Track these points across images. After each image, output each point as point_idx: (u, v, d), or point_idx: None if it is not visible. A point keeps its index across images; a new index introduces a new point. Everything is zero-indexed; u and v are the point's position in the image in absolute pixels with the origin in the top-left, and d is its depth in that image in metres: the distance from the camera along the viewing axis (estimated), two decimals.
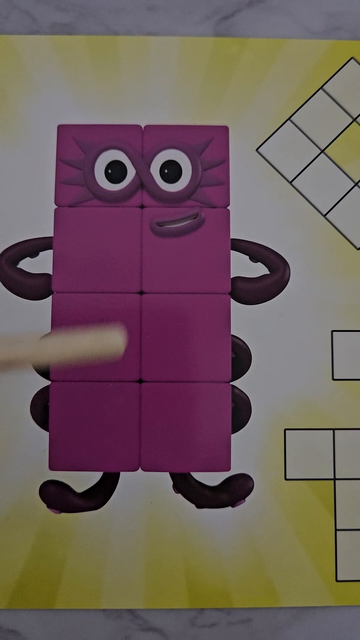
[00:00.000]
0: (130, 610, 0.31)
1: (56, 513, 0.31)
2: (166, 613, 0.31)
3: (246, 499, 0.31)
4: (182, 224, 0.32)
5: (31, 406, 0.31)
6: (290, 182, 0.33)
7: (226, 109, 0.33)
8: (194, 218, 0.32)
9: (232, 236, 0.32)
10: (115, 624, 0.30)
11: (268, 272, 0.32)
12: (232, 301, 0.32)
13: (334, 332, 0.32)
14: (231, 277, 0.32)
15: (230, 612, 0.31)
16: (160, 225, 0.32)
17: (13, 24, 0.33)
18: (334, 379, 0.32)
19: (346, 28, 0.34)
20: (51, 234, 0.32)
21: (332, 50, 0.34)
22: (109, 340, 0.22)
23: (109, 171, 0.32)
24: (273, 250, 0.32)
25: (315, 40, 0.34)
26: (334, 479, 0.32)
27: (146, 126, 0.33)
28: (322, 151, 0.33)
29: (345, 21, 0.34)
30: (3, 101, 0.33)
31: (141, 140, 0.33)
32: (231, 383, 0.32)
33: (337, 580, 0.31)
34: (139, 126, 0.33)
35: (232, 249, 0.32)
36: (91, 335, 0.22)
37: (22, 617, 0.30)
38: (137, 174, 0.32)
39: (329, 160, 0.33)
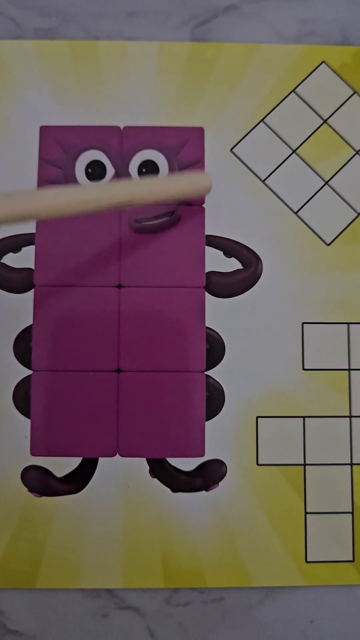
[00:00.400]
0: (108, 590, 0.32)
1: (37, 497, 0.32)
2: (142, 592, 0.32)
3: (219, 483, 0.33)
4: (159, 220, 0.34)
5: (13, 395, 0.33)
6: (263, 181, 0.35)
7: (202, 111, 0.35)
8: (170, 215, 0.34)
9: (207, 233, 0.34)
10: (94, 603, 0.32)
11: (241, 267, 0.34)
12: (207, 294, 0.34)
13: (304, 324, 0.34)
14: (206, 271, 0.34)
15: (204, 592, 0.32)
16: (138, 222, 0.34)
17: None
18: (304, 369, 0.34)
19: (318, 33, 0.36)
20: (33, 231, 0.34)
21: (304, 54, 0.35)
22: (199, 180, 0.26)
23: (89, 170, 0.34)
24: (246, 246, 0.34)
25: (288, 45, 0.35)
26: (304, 465, 0.33)
27: (125, 127, 0.34)
28: (294, 151, 0.35)
29: (318, 27, 0.36)
30: None
31: (120, 140, 0.34)
32: (205, 373, 0.33)
33: (306, 562, 0.33)
34: (118, 127, 0.34)
35: (207, 244, 0.34)
36: (181, 178, 0.25)
37: (4, 596, 0.32)
38: (116, 173, 0.34)
39: (301, 160, 0.35)
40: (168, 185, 0.26)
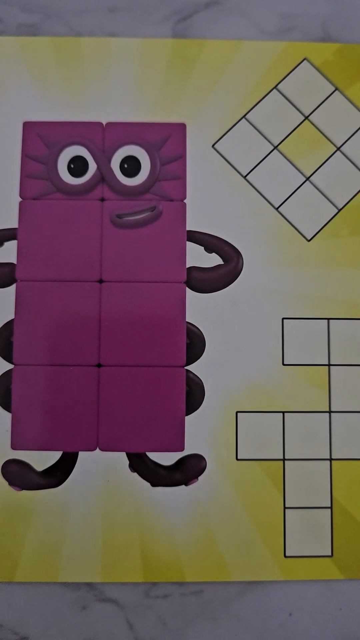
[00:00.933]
0: (87, 583, 0.32)
1: (17, 490, 0.32)
2: (122, 585, 0.32)
3: (199, 478, 0.33)
4: (141, 216, 0.34)
5: None
6: (245, 177, 0.35)
7: (184, 107, 0.35)
8: (152, 211, 0.34)
9: (188, 228, 0.34)
10: (73, 595, 0.32)
11: (222, 262, 0.34)
12: (188, 290, 0.34)
13: (284, 320, 0.34)
14: (187, 266, 0.34)
15: (183, 585, 0.32)
16: (120, 217, 0.34)
17: None
18: (284, 364, 0.34)
19: (299, 29, 0.36)
20: (16, 225, 0.34)
21: (286, 51, 0.36)
22: None
23: (72, 166, 0.34)
24: (227, 242, 0.34)
25: (270, 42, 0.35)
26: (284, 460, 0.33)
27: (107, 123, 0.35)
28: (275, 147, 0.35)
29: (299, 22, 0.36)
30: None
31: (102, 136, 0.34)
32: (185, 367, 0.33)
33: (285, 556, 0.33)
34: (101, 123, 0.34)
35: (188, 240, 0.34)
36: None
37: None
38: (98, 168, 0.34)
39: (282, 156, 0.35)
40: None
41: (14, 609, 0.32)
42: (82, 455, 0.33)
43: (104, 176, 0.34)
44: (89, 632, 0.32)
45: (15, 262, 0.33)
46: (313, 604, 0.33)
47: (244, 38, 0.36)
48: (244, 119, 0.35)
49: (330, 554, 0.33)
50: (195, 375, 0.33)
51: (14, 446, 0.33)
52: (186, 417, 0.33)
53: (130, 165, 0.34)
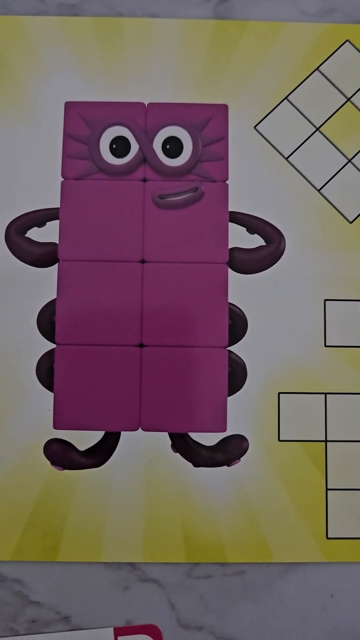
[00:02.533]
0: (129, 563, 0.32)
1: (59, 470, 0.32)
2: (163, 565, 0.32)
3: (241, 458, 0.33)
4: (183, 196, 0.34)
5: (37, 368, 0.33)
6: (287, 159, 0.35)
7: (226, 88, 0.35)
8: (194, 191, 0.34)
9: (231, 209, 0.34)
10: (115, 575, 0.32)
11: (264, 244, 0.34)
12: (230, 271, 0.34)
13: (326, 301, 0.34)
14: (229, 247, 0.34)
15: (225, 565, 0.32)
16: (162, 198, 0.34)
17: (22, 5, 0.35)
18: (326, 346, 0.34)
19: (341, 11, 0.36)
20: (58, 205, 0.34)
21: (328, 33, 0.35)
22: None
23: (114, 146, 0.34)
24: (269, 223, 0.34)
25: (312, 24, 0.35)
26: (325, 441, 0.33)
27: (149, 104, 0.34)
28: (317, 129, 0.35)
29: (340, 4, 0.36)
30: (13, 80, 0.34)
31: (144, 117, 0.34)
32: (228, 348, 0.33)
33: (327, 538, 0.33)
34: (143, 104, 0.34)
35: (230, 221, 0.34)
36: None
37: (26, 568, 0.32)
38: (140, 149, 0.34)
39: (324, 138, 0.35)
40: None
41: (56, 589, 0.32)
42: (124, 435, 0.33)
43: (146, 157, 0.34)
44: (130, 613, 0.32)
45: (57, 242, 0.33)
46: (355, 586, 0.33)
47: (285, 20, 0.36)
48: (285, 100, 0.35)
49: None
50: (238, 356, 0.33)
51: (57, 426, 0.32)
52: (228, 398, 0.33)
53: (172, 146, 0.34)
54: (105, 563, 0.32)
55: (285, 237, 0.34)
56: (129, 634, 0.31)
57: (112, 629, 0.31)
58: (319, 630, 0.32)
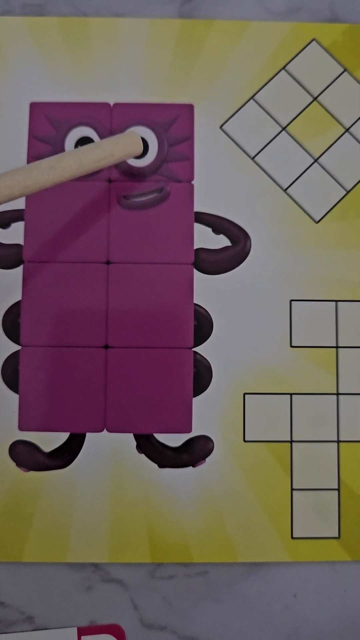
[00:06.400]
0: (93, 564, 0.32)
1: (25, 471, 0.32)
2: (127, 565, 0.32)
3: (206, 459, 0.33)
4: (148, 197, 0.34)
5: (2, 370, 0.33)
6: (253, 158, 0.35)
7: (192, 88, 0.35)
8: (160, 192, 0.34)
9: (196, 209, 0.34)
10: (79, 576, 0.32)
11: (230, 244, 0.34)
12: (195, 271, 0.34)
13: (292, 302, 0.34)
14: (195, 248, 0.34)
15: (188, 566, 0.32)
16: (127, 199, 0.34)
17: None
18: (291, 346, 0.34)
19: (307, 10, 0.35)
20: (23, 207, 0.34)
21: (294, 32, 0.35)
22: (128, 141, 0.26)
23: (79, 147, 0.34)
24: (235, 223, 0.34)
25: (278, 23, 0.35)
26: (291, 441, 0.33)
27: (115, 104, 0.34)
28: (284, 129, 0.35)
29: (306, 3, 0.35)
30: None
31: (110, 117, 0.34)
32: (193, 349, 0.33)
33: (292, 537, 0.33)
34: (108, 104, 0.34)
35: (196, 221, 0.34)
36: (108, 141, 0.26)
37: None
38: None
39: (290, 138, 0.35)
40: (99, 150, 0.27)
41: (20, 589, 0.32)
42: (89, 436, 0.33)
43: None
44: (94, 613, 0.32)
45: (22, 243, 0.33)
46: (318, 586, 0.33)
47: (251, 19, 0.35)
48: (252, 100, 0.35)
49: (337, 535, 0.33)
50: (203, 356, 0.33)
51: (22, 427, 0.33)
52: (194, 399, 0.33)
53: None
54: (68, 563, 0.32)
55: (251, 238, 0.34)
56: (92, 634, 0.31)
57: (75, 628, 0.31)
58: (282, 630, 0.32)
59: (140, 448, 0.33)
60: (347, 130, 0.35)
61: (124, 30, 0.35)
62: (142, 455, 0.33)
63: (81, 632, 0.31)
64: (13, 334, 0.33)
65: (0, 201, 0.26)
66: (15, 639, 0.31)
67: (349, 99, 0.35)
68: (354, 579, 0.33)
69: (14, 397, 0.33)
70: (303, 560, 0.33)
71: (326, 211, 0.34)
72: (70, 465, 0.32)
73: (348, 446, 0.33)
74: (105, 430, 0.33)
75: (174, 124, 0.34)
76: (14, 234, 0.34)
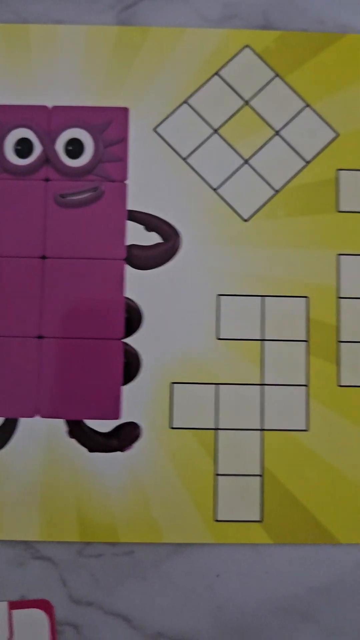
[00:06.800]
0: (24, 541, 0.34)
1: None
2: (56, 544, 0.34)
3: (134, 444, 0.34)
4: (83, 195, 0.36)
5: None
6: (185, 159, 0.36)
7: (127, 92, 0.36)
8: (94, 191, 0.36)
9: (129, 208, 0.36)
10: (11, 553, 0.34)
11: (161, 241, 0.36)
12: (128, 266, 0.35)
13: (220, 296, 0.35)
14: (127, 244, 0.35)
15: (115, 545, 0.34)
16: (63, 197, 0.35)
17: None
18: (218, 339, 0.35)
19: (241, 17, 0.37)
20: None
21: (228, 38, 0.37)
22: None
23: (18, 147, 0.36)
24: (166, 221, 0.36)
25: (213, 29, 0.37)
26: (216, 429, 0.35)
27: (53, 107, 0.36)
28: (216, 131, 0.37)
29: (241, 10, 0.37)
30: None
31: (48, 119, 0.36)
32: (123, 340, 0.35)
33: (215, 520, 0.34)
34: (47, 107, 0.36)
35: (129, 219, 0.36)
36: None
37: None
38: (43, 150, 0.36)
39: (222, 140, 0.36)
40: None
41: None
42: (23, 421, 0.34)
43: (48, 157, 0.36)
44: (24, 588, 0.34)
45: None
46: (240, 567, 0.34)
47: (187, 26, 0.37)
48: (185, 103, 0.37)
49: (259, 519, 0.34)
50: (132, 347, 0.35)
51: None
52: (123, 387, 0.35)
53: (74, 147, 0.36)
54: (1, 541, 0.34)
55: (182, 235, 0.36)
56: (22, 608, 0.33)
57: (6, 603, 0.33)
58: (205, 608, 0.34)
59: (71, 433, 0.34)
60: (277, 133, 0.37)
61: (63, 36, 0.36)
62: (73, 440, 0.34)
63: (12, 606, 0.33)
64: None
65: None
66: None
67: (279, 103, 0.37)
68: (274, 561, 0.34)
69: None
70: (226, 543, 0.34)
71: (255, 210, 0.36)
72: (3, 449, 0.34)
73: (271, 434, 0.35)
74: (37, 415, 0.34)
75: (109, 126, 0.36)
76: None
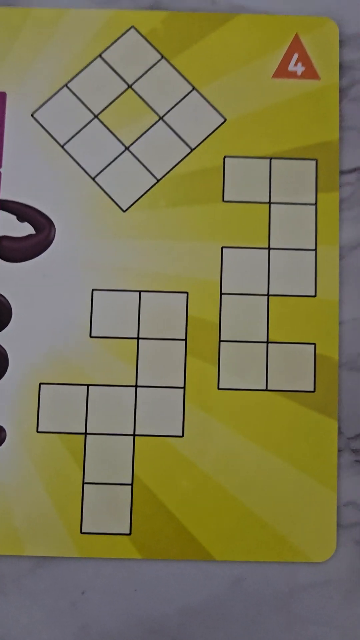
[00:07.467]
0: None
1: None
2: None
3: None
4: None
5: None
6: (62, 146, 0.34)
7: (5, 76, 0.34)
8: None
9: (3, 197, 0.34)
10: None
11: (34, 232, 0.34)
12: None
13: (94, 291, 0.33)
14: None
15: None
16: None
17: None
18: (91, 337, 0.33)
19: None
20: None
21: (113, 19, 0.35)
22: None
23: None
24: (39, 211, 0.34)
25: (97, 10, 0.35)
26: (85, 433, 0.32)
27: None
28: (96, 116, 0.34)
29: None
30: None
31: None
32: None
33: (81, 533, 0.32)
34: None
35: (1, 209, 0.34)
36: None
37: None
38: None
39: (102, 125, 0.34)
40: None
41: None
42: None
43: None
44: None
45: None
46: (107, 583, 0.32)
47: (72, 7, 0.35)
48: (65, 87, 0.35)
49: (128, 532, 0.32)
50: (0, 345, 0.33)
51: None
52: None
53: None
54: None
55: (56, 226, 0.34)
56: None
57: None
58: (68, 627, 0.31)
59: None
60: (161, 118, 0.34)
61: None
62: None
63: None
64: None
65: None
66: None
67: (164, 87, 0.35)
68: (144, 578, 0.32)
69: None
70: (92, 557, 0.32)
71: (134, 200, 0.34)
72: None
73: (143, 440, 0.32)
74: None
75: None
76: None
